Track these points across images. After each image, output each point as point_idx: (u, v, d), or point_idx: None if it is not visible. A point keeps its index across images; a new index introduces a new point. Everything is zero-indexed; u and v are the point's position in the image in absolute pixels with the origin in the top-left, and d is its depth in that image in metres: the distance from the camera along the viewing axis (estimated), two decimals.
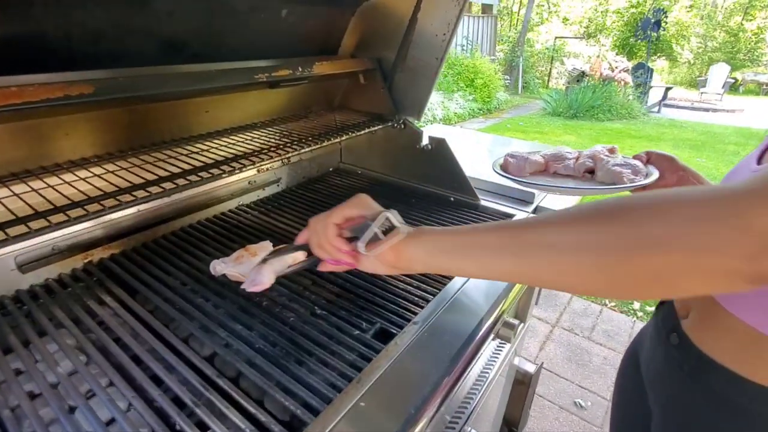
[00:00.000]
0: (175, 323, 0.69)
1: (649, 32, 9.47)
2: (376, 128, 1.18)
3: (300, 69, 0.98)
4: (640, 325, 2.38)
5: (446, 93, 7.75)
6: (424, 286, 0.80)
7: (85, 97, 0.63)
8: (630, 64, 10.02)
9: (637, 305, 2.60)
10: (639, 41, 11.49)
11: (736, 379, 0.54)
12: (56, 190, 0.70)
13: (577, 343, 2.26)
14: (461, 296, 0.77)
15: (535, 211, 1.14)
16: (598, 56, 11.37)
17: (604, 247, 0.37)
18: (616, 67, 9.58)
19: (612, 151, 0.96)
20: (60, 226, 0.62)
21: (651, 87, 9.24)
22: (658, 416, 0.68)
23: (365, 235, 0.53)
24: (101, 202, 0.67)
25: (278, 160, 1.10)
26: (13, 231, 0.59)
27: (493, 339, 0.88)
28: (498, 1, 12.03)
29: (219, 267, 0.75)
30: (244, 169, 0.87)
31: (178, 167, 0.83)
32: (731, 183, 0.35)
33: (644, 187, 0.78)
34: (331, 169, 1.41)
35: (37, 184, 0.71)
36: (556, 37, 12.80)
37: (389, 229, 0.53)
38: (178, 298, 0.73)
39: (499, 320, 0.80)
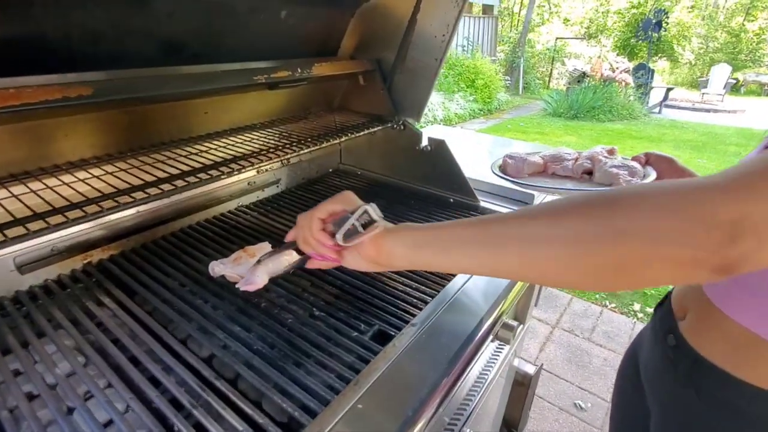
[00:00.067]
0: (173, 324, 0.69)
1: (650, 33, 9.47)
2: (375, 129, 1.18)
3: (299, 70, 0.98)
4: (640, 327, 2.37)
5: (447, 93, 7.75)
6: (423, 287, 0.80)
7: (84, 99, 0.63)
8: (631, 65, 10.01)
9: (637, 306, 2.59)
10: (640, 42, 11.49)
11: (731, 381, 0.54)
12: (55, 192, 0.70)
13: (577, 344, 2.26)
14: (460, 298, 0.77)
15: None
16: (599, 57, 11.36)
17: (572, 239, 0.39)
18: (617, 68, 9.58)
19: (611, 152, 0.96)
20: (58, 227, 0.62)
21: (652, 88, 9.23)
22: (657, 416, 0.68)
23: (344, 226, 0.54)
24: (100, 204, 0.67)
25: (278, 161, 1.10)
26: (11, 232, 0.59)
27: (492, 340, 0.88)
28: (499, 1, 12.02)
29: (218, 268, 0.75)
30: (243, 170, 0.87)
31: (178, 168, 0.83)
32: (701, 177, 0.36)
33: None
34: (330, 170, 1.41)
35: (35, 185, 0.71)
36: (557, 38, 12.80)
37: (369, 223, 0.54)
38: (177, 299, 0.73)
39: (498, 321, 0.80)
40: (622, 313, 2.54)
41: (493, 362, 0.91)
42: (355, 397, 0.55)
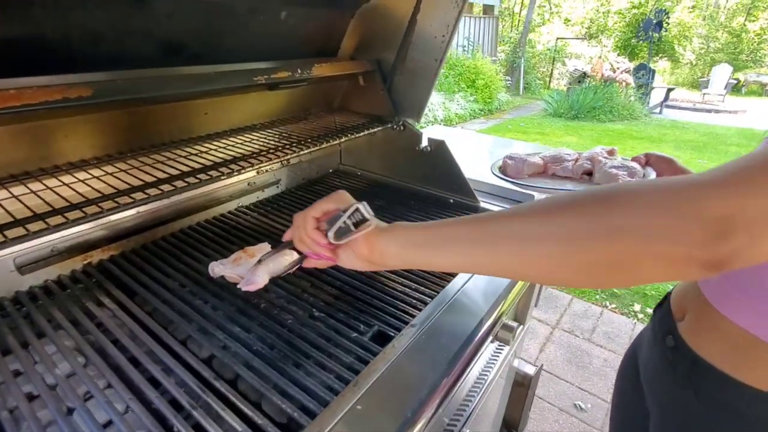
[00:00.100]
0: (173, 325, 0.69)
1: (651, 33, 9.47)
2: (375, 130, 1.18)
3: (299, 71, 0.98)
4: (640, 327, 2.37)
5: (447, 94, 7.74)
6: (422, 288, 0.80)
7: (84, 100, 0.64)
8: (632, 65, 10.01)
9: (637, 307, 2.59)
10: (641, 42, 11.49)
11: (730, 382, 0.54)
12: (55, 192, 0.71)
13: (577, 344, 2.26)
14: (460, 298, 0.77)
15: None
16: (600, 57, 11.36)
17: (565, 236, 0.39)
18: (618, 68, 9.57)
19: (611, 153, 0.96)
20: (58, 228, 0.62)
21: (653, 88, 9.22)
22: (656, 417, 0.68)
23: (335, 225, 0.54)
24: (100, 205, 0.68)
25: (278, 162, 1.10)
26: (11, 233, 0.59)
27: (491, 341, 0.88)
28: (499, 1, 12.02)
29: (217, 269, 0.76)
30: (243, 170, 0.87)
31: (178, 169, 0.83)
32: (695, 174, 0.36)
33: None
34: (330, 171, 1.41)
35: (36, 186, 0.71)
36: (557, 38, 12.80)
37: (361, 221, 0.54)
38: (177, 299, 0.73)
39: (498, 322, 0.80)
40: (622, 314, 2.53)
41: (493, 363, 0.91)
42: (354, 398, 0.55)
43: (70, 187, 0.73)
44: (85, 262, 0.83)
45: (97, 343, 0.63)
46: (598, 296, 2.68)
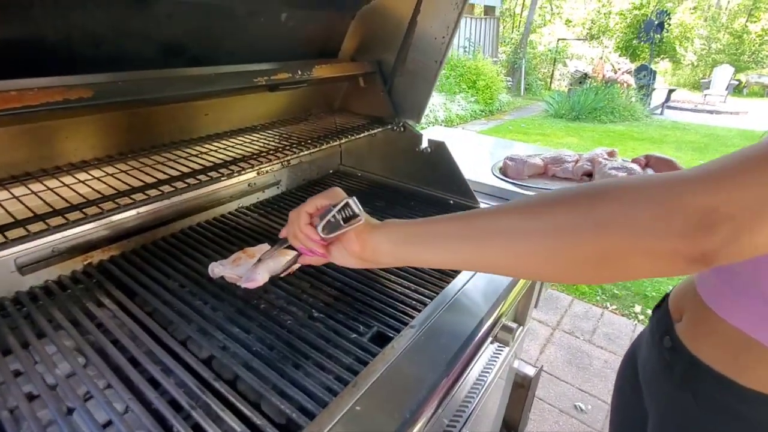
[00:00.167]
0: (173, 326, 0.69)
1: (652, 34, 9.46)
2: (375, 131, 1.19)
3: (299, 72, 0.98)
4: (641, 329, 2.37)
5: (448, 94, 7.75)
6: (422, 289, 0.80)
7: (85, 101, 0.64)
8: (633, 66, 10.00)
9: (638, 308, 2.59)
10: (642, 43, 11.47)
11: (729, 384, 0.54)
12: (55, 193, 0.71)
13: (577, 346, 2.26)
14: (459, 299, 0.77)
15: None
16: (601, 58, 11.36)
17: (553, 231, 0.39)
18: (619, 69, 9.57)
19: (611, 154, 0.96)
20: (58, 229, 0.63)
21: (654, 89, 9.21)
22: (654, 419, 0.68)
23: (324, 219, 0.55)
24: (100, 205, 0.68)
25: (278, 163, 1.10)
26: (12, 234, 0.60)
27: (491, 342, 0.88)
28: (500, 2, 12.02)
29: (217, 269, 0.76)
30: (243, 171, 0.87)
31: (178, 170, 0.83)
32: (684, 169, 0.36)
33: None
34: (331, 172, 1.41)
35: (36, 186, 0.72)
36: (558, 39, 12.79)
37: (352, 217, 0.54)
38: (177, 300, 0.73)
39: (498, 323, 0.80)
40: (623, 315, 2.53)
41: (493, 364, 0.91)
42: (353, 399, 0.55)
43: (71, 188, 0.73)
44: (86, 263, 0.84)
45: (97, 343, 0.63)
46: (598, 297, 2.67)
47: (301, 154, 0.98)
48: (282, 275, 0.73)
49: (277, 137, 1.08)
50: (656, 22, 9.39)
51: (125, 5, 0.73)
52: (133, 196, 0.73)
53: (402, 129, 1.23)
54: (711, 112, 9.45)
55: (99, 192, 0.72)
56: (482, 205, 1.15)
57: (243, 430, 0.50)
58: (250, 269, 0.70)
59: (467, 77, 8.35)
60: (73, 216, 0.65)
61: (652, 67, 9.51)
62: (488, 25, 10.88)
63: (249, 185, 1.16)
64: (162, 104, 0.92)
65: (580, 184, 0.40)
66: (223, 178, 0.84)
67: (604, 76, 9.11)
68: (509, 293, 0.82)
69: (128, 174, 0.81)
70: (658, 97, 9.29)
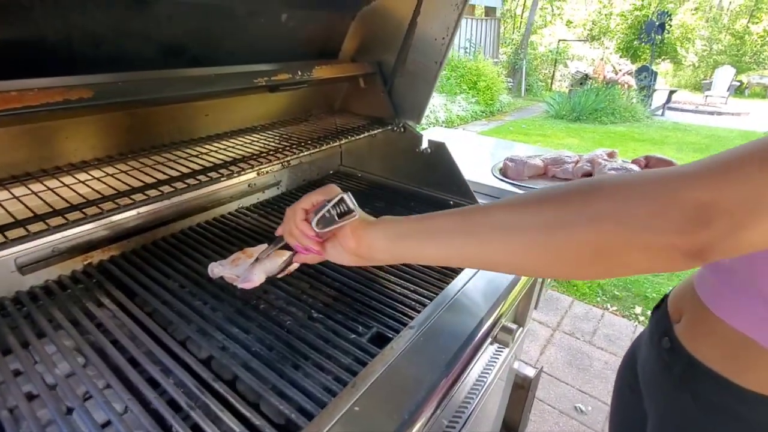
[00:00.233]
0: (173, 326, 0.69)
1: (653, 35, 9.45)
2: (376, 132, 1.19)
3: (300, 73, 0.98)
4: (641, 330, 2.36)
5: (449, 95, 7.75)
6: (421, 289, 0.80)
7: (85, 102, 0.64)
8: (634, 67, 10.00)
9: (638, 309, 2.59)
10: (643, 44, 11.47)
11: (727, 385, 0.54)
12: (56, 193, 0.71)
13: (578, 347, 2.25)
14: (459, 300, 0.77)
15: None
16: (602, 59, 11.36)
17: (549, 225, 0.39)
18: (620, 70, 9.57)
19: (611, 155, 0.96)
20: (58, 229, 0.63)
21: (655, 90, 9.21)
22: (653, 419, 0.68)
23: (319, 213, 0.54)
24: (100, 206, 0.68)
25: (278, 163, 1.10)
26: (12, 234, 0.60)
27: (491, 343, 0.88)
28: (501, 3, 12.03)
29: (216, 269, 0.76)
30: (243, 172, 0.87)
31: (178, 170, 0.83)
32: (680, 165, 0.36)
33: None
34: (331, 172, 1.41)
35: (36, 186, 0.72)
36: (559, 40, 12.79)
37: (346, 213, 0.54)
38: (177, 300, 0.73)
39: (497, 324, 0.80)
40: (623, 316, 2.53)
41: (493, 365, 0.91)
42: (351, 400, 0.55)
43: (71, 188, 0.73)
44: (86, 263, 0.84)
45: (97, 343, 0.63)
46: (599, 299, 2.67)
47: (302, 154, 0.98)
48: (279, 276, 0.73)
49: (277, 138, 1.08)
50: (657, 23, 9.38)
51: (125, 6, 0.73)
52: (133, 197, 0.73)
53: (402, 130, 1.23)
54: (712, 113, 9.44)
55: (99, 192, 0.72)
56: None
57: (242, 431, 0.50)
58: (247, 269, 0.70)
59: (468, 78, 8.35)
60: (73, 216, 0.65)
61: (653, 68, 9.50)
62: (489, 26, 10.89)
63: (249, 186, 1.16)
64: (162, 105, 0.92)
65: (574, 180, 0.40)
66: (223, 179, 0.84)
67: (604, 77, 9.11)
68: (509, 294, 0.82)
69: (128, 174, 0.81)
70: (659, 98, 9.29)
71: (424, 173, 1.23)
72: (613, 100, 8.25)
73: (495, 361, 0.91)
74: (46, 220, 0.63)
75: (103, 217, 0.68)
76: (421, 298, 0.78)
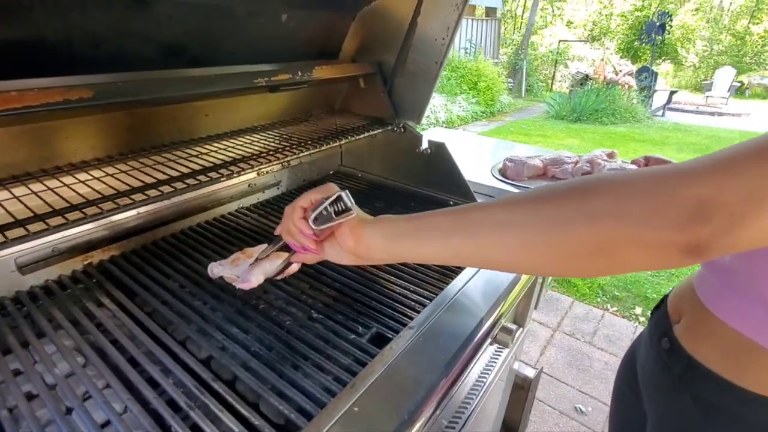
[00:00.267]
0: (172, 326, 0.69)
1: (653, 36, 9.45)
2: (376, 132, 1.19)
3: (300, 73, 0.98)
4: (642, 331, 2.36)
5: (449, 96, 7.75)
6: (421, 290, 0.80)
7: (85, 102, 0.64)
8: (634, 68, 10.00)
9: (639, 310, 2.58)
10: (643, 45, 11.46)
11: (727, 386, 0.54)
12: (56, 193, 0.71)
13: (578, 347, 2.25)
14: (458, 300, 0.77)
15: None
16: (602, 59, 11.36)
17: (547, 222, 0.39)
18: (620, 71, 9.57)
19: (611, 155, 0.96)
20: (58, 229, 0.63)
21: (655, 91, 9.20)
22: (653, 419, 0.68)
23: (315, 211, 0.54)
24: (100, 206, 0.68)
25: (278, 163, 1.10)
26: (12, 234, 0.60)
27: (490, 344, 0.88)
28: (502, 4, 12.03)
29: (216, 269, 0.76)
30: (243, 172, 0.88)
31: (178, 170, 0.83)
32: (678, 162, 0.37)
33: None
34: (331, 172, 1.41)
35: (37, 186, 0.72)
36: (560, 41, 12.79)
37: (343, 211, 0.54)
38: (176, 300, 0.73)
39: (497, 324, 0.80)
40: (623, 317, 2.53)
41: (492, 365, 0.91)
42: (351, 400, 0.55)
43: (71, 188, 0.73)
44: (86, 263, 0.84)
45: (97, 343, 0.63)
46: (599, 299, 2.67)
47: (302, 154, 0.99)
48: (279, 278, 0.73)
49: (277, 138, 1.08)
50: (658, 24, 9.38)
51: (125, 6, 0.74)
52: (133, 197, 0.73)
53: (402, 130, 1.23)
54: (713, 113, 9.44)
55: (99, 192, 0.72)
56: None
57: (241, 431, 0.50)
58: (246, 270, 0.70)
59: (468, 78, 8.35)
60: (73, 216, 0.65)
61: (654, 68, 9.50)
62: (489, 26, 10.89)
63: (249, 186, 1.16)
64: (162, 105, 0.92)
65: (573, 179, 0.41)
66: (223, 179, 0.84)
67: (605, 77, 9.11)
68: (509, 294, 0.82)
69: (128, 174, 0.81)
70: (659, 98, 9.28)
71: (424, 174, 1.23)
72: (613, 100, 8.25)
73: (495, 362, 0.91)
74: (46, 220, 0.63)
75: (103, 217, 0.69)
76: (421, 298, 0.78)
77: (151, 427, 0.50)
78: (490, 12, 11.26)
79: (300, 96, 1.24)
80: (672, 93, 9.50)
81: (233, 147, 0.99)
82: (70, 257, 0.82)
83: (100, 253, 0.86)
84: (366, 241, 0.52)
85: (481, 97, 8.32)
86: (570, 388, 1.99)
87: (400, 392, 0.58)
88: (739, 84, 11.51)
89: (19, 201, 0.68)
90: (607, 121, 8.00)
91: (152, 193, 0.75)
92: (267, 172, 1.19)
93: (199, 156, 0.92)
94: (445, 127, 6.88)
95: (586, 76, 9.33)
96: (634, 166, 0.86)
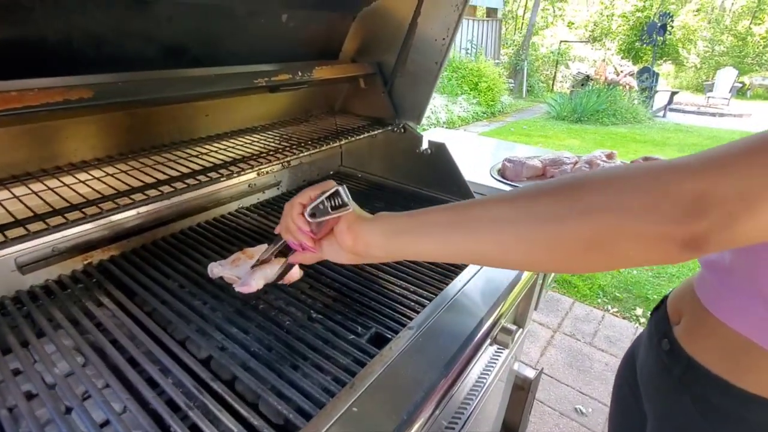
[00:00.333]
0: (172, 326, 0.69)
1: (655, 36, 9.44)
2: (376, 132, 1.19)
3: (300, 73, 0.98)
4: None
5: (450, 96, 7.75)
6: (421, 290, 0.80)
7: (85, 102, 0.64)
8: (635, 68, 9.99)
9: (639, 311, 2.58)
10: (645, 45, 11.45)
11: (725, 386, 0.54)
12: (56, 193, 0.71)
13: (578, 348, 2.25)
14: (458, 300, 0.77)
15: None
16: (604, 60, 11.35)
17: (543, 217, 0.39)
18: (621, 71, 9.56)
19: (610, 156, 0.96)
20: (58, 228, 0.63)
21: (656, 91, 9.19)
22: (652, 420, 0.68)
23: (313, 204, 0.54)
24: (100, 205, 0.68)
25: (278, 164, 1.10)
26: (12, 233, 0.60)
27: (490, 344, 0.88)
28: (503, 4, 12.03)
29: (216, 270, 0.76)
30: (244, 172, 0.88)
31: (178, 170, 0.83)
32: (674, 158, 0.37)
33: None
34: (331, 173, 1.41)
35: (37, 186, 0.72)
36: (561, 41, 12.79)
37: (340, 206, 0.54)
38: (176, 300, 0.73)
39: (497, 325, 0.80)
40: (624, 318, 2.52)
41: (492, 366, 0.91)
42: (350, 400, 0.55)
43: (71, 188, 0.73)
44: (86, 262, 0.84)
45: (96, 343, 0.63)
46: (599, 300, 2.67)
47: (302, 155, 0.99)
48: (279, 283, 0.73)
49: (277, 138, 1.08)
50: (659, 25, 9.37)
51: (125, 6, 0.74)
52: (133, 197, 0.73)
53: (402, 130, 1.23)
54: (714, 114, 9.43)
55: (99, 192, 0.72)
56: None
57: (240, 431, 0.50)
58: (247, 274, 0.70)
59: (469, 79, 8.35)
60: (73, 216, 0.65)
61: (655, 69, 9.49)
62: (490, 27, 10.89)
63: (249, 186, 1.16)
64: (162, 105, 0.92)
65: (566, 175, 0.41)
66: (223, 179, 0.84)
67: (606, 78, 9.10)
68: (509, 294, 0.82)
69: (128, 174, 0.81)
70: (660, 99, 9.27)
71: (424, 174, 1.23)
72: (614, 101, 8.24)
73: (495, 362, 0.91)
74: (46, 220, 0.63)
75: (103, 217, 0.69)
76: (421, 298, 0.78)
77: (150, 427, 0.50)
78: (491, 12, 11.26)
79: (300, 96, 1.24)
80: (673, 94, 9.49)
81: (233, 147, 0.99)
82: (70, 257, 0.82)
83: (99, 252, 0.86)
84: (364, 239, 0.52)
85: (482, 97, 8.32)
86: (570, 389, 1.98)
87: (400, 392, 0.58)
88: (740, 85, 11.50)
89: (19, 201, 0.68)
90: (608, 122, 7.99)
91: (152, 193, 0.75)
92: (267, 173, 1.20)
93: (199, 156, 0.92)
94: (446, 127, 6.88)
95: (587, 76, 9.32)
96: None
